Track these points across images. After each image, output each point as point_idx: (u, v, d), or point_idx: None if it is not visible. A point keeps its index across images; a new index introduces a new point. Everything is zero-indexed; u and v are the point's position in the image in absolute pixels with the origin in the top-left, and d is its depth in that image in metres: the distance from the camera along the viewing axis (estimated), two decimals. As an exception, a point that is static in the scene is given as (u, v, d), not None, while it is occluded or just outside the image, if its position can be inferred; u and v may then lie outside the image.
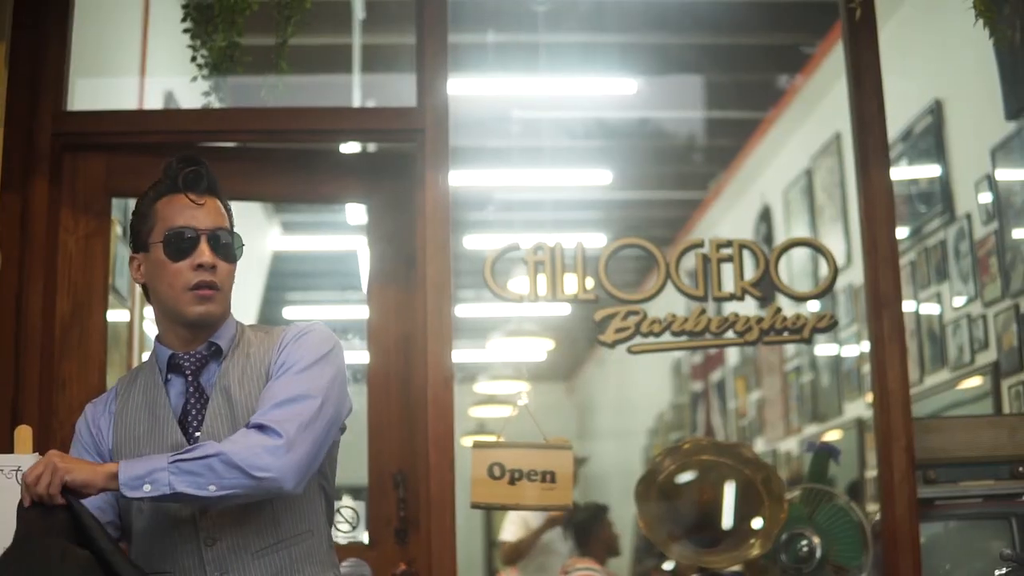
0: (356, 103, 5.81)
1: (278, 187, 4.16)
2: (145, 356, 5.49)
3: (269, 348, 2.46)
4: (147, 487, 2.22)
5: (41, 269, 3.81)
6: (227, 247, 2.47)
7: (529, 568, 6.76)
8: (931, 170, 5.44)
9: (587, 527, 6.38)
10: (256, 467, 2.24)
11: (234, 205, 2.63)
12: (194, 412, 2.44)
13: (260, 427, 2.29)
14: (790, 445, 7.39)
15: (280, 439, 2.27)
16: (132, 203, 4.97)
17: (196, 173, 2.48)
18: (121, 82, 5.03)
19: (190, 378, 2.45)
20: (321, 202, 4.98)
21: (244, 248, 2.53)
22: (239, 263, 2.55)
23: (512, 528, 6.81)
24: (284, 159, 4.14)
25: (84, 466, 2.28)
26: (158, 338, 2.52)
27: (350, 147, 4.84)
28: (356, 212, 7.05)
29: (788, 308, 4.00)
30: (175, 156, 2.52)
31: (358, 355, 4.10)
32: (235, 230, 2.54)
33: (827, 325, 3.93)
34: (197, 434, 2.40)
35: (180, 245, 2.42)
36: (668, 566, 5.95)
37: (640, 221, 9.68)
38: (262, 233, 8.02)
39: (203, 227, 2.44)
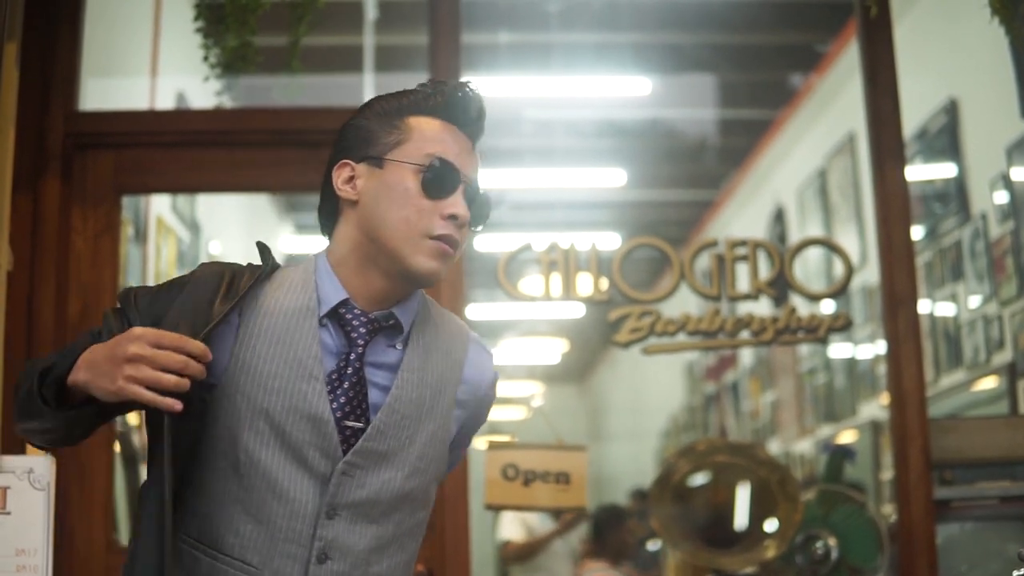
0: (368, 103, 5.78)
1: (290, 176, 4.10)
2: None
3: (458, 361, 2.04)
4: None
5: (52, 270, 3.80)
6: (482, 210, 1.96)
7: (530, 571, 6.71)
8: (946, 169, 5.40)
9: (603, 529, 6.36)
10: None
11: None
12: (342, 390, 1.87)
13: None
14: (805, 446, 7.36)
15: None
16: (141, 200, 4.94)
17: (480, 115, 1.97)
18: (132, 82, 5.02)
19: (359, 349, 1.89)
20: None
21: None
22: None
23: (511, 527, 6.74)
24: (295, 147, 4.08)
25: None
26: (332, 263, 1.94)
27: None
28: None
29: (803, 308, 3.98)
30: (451, 81, 1.98)
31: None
32: None
33: (842, 325, 3.91)
34: (352, 423, 1.87)
35: (443, 183, 1.89)
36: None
37: (654, 221, 9.66)
38: (275, 234, 8.02)
39: (470, 176, 1.93)
